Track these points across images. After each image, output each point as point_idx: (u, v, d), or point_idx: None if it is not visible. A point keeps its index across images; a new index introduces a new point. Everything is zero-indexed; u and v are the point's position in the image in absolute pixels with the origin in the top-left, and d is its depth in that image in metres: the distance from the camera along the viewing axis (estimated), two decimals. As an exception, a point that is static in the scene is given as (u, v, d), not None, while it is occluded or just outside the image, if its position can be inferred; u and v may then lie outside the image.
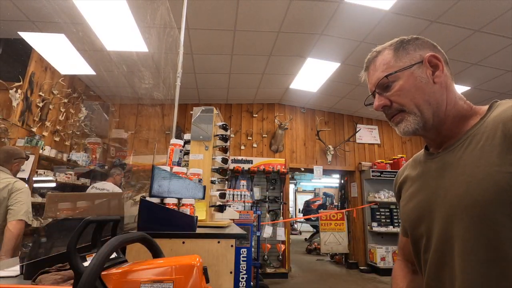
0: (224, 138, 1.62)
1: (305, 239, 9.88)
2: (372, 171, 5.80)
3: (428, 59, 0.71)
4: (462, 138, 0.69)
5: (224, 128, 1.63)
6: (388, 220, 5.72)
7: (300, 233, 11.89)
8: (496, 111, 0.66)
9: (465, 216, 0.62)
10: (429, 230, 0.71)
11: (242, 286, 2.70)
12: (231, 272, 1.08)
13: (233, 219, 2.12)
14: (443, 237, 0.66)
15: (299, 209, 12.01)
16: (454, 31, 3.33)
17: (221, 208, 1.55)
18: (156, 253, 0.60)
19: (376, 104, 0.74)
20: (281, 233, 5.02)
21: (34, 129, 3.54)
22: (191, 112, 1.63)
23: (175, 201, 1.19)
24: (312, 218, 8.58)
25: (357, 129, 6.26)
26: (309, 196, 11.83)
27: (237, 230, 1.33)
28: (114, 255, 0.56)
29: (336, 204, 9.09)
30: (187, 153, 1.56)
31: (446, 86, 0.71)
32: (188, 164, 1.53)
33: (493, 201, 0.58)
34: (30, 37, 3.32)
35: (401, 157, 6.04)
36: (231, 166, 5.33)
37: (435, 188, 0.71)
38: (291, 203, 10.48)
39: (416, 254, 0.77)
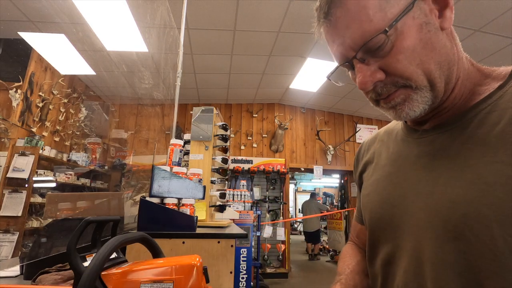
0: (224, 138, 1.62)
1: (305, 239, 9.88)
2: (372, 171, 5.82)
3: None
4: (467, 115, 0.46)
5: (224, 128, 1.63)
6: (388, 220, 5.81)
7: (300, 233, 11.88)
8: None
9: (453, 234, 0.41)
10: (395, 241, 0.51)
11: (242, 286, 2.70)
12: (231, 272, 1.08)
13: (233, 219, 2.12)
14: (416, 255, 0.47)
15: (299, 209, 12.02)
16: (454, 31, 3.33)
17: (221, 208, 1.55)
18: (156, 253, 0.60)
19: (364, 79, 0.44)
20: (281, 233, 5.02)
21: (34, 129, 3.54)
22: (191, 112, 1.63)
23: (175, 201, 1.19)
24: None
25: (357, 129, 6.26)
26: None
27: (237, 230, 1.33)
28: (114, 255, 0.56)
29: (336, 204, 9.10)
30: (187, 153, 1.56)
31: (451, 32, 0.47)
32: (188, 164, 1.53)
33: (504, 220, 0.37)
34: (30, 37, 3.32)
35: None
36: (231, 166, 5.33)
37: (415, 182, 0.49)
38: (291, 203, 10.48)
39: (371, 258, 0.59)
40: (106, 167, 4.55)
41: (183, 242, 1.06)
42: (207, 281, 0.54)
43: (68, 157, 4.07)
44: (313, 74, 4.66)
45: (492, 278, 0.38)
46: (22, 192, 3.08)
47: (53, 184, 3.57)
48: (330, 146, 5.99)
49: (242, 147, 5.74)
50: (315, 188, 12.35)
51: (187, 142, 1.61)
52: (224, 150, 1.64)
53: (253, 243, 3.35)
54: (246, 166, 5.46)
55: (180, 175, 1.28)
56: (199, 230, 1.15)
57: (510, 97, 0.42)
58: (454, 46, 0.46)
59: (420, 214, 0.47)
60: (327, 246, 7.38)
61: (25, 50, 3.42)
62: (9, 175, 3.07)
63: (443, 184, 0.44)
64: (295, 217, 11.83)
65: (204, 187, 1.40)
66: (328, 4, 0.45)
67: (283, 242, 5.21)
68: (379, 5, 0.42)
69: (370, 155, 0.64)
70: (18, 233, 2.96)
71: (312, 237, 6.88)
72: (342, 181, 6.85)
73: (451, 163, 0.45)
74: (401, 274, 0.49)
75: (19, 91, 3.33)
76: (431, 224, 0.45)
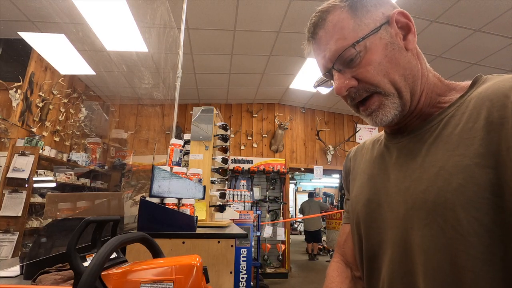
0: (224, 138, 1.62)
1: (305, 239, 9.88)
2: (372, 171, 5.82)
3: (396, 19, 0.54)
4: (435, 120, 0.53)
5: (224, 128, 1.63)
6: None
7: (300, 233, 11.88)
8: (482, 86, 0.50)
9: (427, 220, 0.47)
10: (379, 236, 0.57)
11: (242, 286, 2.70)
12: (231, 272, 1.08)
13: (233, 219, 2.12)
14: (400, 245, 0.52)
15: (299, 209, 12.00)
16: (454, 31, 3.33)
17: (221, 208, 1.55)
18: (156, 253, 0.60)
19: (339, 85, 0.54)
20: (281, 233, 5.02)
21: (34, 129, 3.54)
22: (191, 112, 1.63)
23: (175, 201, 1.19)
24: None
25: (357, 129, 6.27)
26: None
27: (237, 230, 1.33)
28: (114, 255, 0.56)
29: (336, 204, 9.10)
30: (187, 153, 1.56)
31: (417, 53, 0.56)
32: (188, 164, 1.53)
33: (466, 204, 0.43)
34: (30, 37, 3.32)
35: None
36: (231, 166, 5.33)
37: (395, 181, 0.56)
38: (291, 203, 10.47)
39: (359, 254, 0.64)
40: (106, 167, 4.55)
41: (183, 242, 1.06)
42: (207, 281, 0.54)
43: (68, 157, 4.07)
44: (313, 74, 4.66)
45: (460, 255, 0.43)
46: (22, 192, 3.08)
47: (53, 184, 3.57)
48: (330, 146, 5.99)
49: (242, 147, 5.74)
50: (315, 188, 12.35)
51: (187, 142, 1.61)
52: (224, 150, 1.64)
53: (253, 243, 3.35)
54: (246, 166, 5.46)
55: (180, 175, 1.28)
56: (199, 230, 1.15)
57: (467, 104, 0.50)
58: (418, 64, 0.55)
59: (400, 208, 0.53)
60: (327, 246, 7.40)
61: (25, 50, 3.42)
62: (9, 175, 3.07)
63: (416, 179, 0.51)
64: (295, 217, 11.83)
65: (204, 187, 1.40)
66: (314, 26, 0.57)
67: (283, 242, 5.21)
68: (353, 28, 0.53)
69: (357, 161, 0.72)
70: (18, 233, 2.96)
71: (313, 236, 6.88)
72: (342, 181, 6.88)
73: (422, 160, 0.52)
74: (386, 265, 0.54)
75: (19, 91, 3.33)
76: (409, 215, 0.50)
